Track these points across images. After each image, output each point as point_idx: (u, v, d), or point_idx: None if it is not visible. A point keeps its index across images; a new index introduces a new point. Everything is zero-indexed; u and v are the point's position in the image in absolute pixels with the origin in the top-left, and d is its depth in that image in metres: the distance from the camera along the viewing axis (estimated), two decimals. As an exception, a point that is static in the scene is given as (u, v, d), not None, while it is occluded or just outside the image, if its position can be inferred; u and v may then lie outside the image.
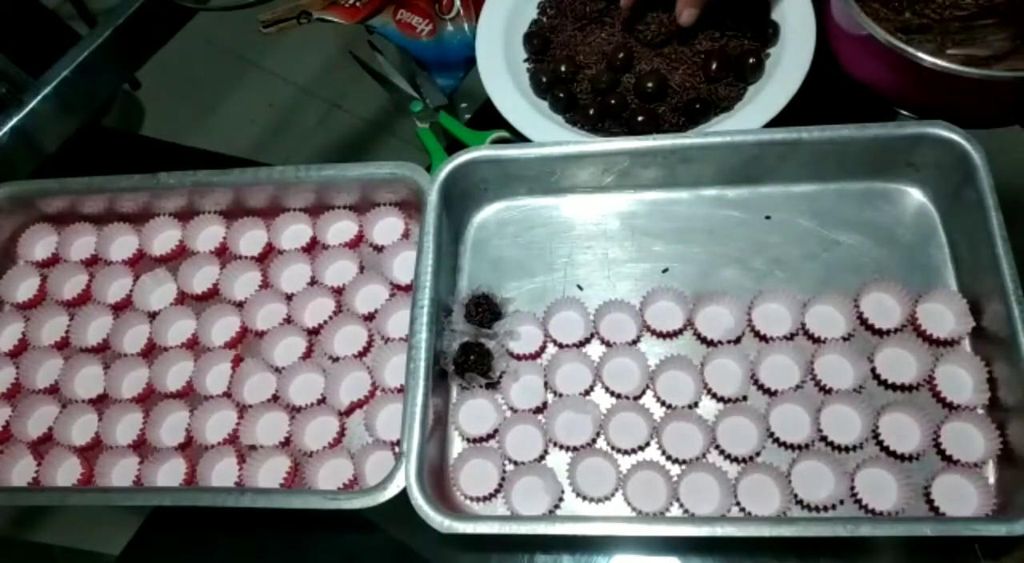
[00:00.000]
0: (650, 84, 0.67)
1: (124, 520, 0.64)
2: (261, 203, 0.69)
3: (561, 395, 0.58)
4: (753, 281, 0.61)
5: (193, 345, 0.65)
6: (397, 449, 0.54)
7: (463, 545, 0.57)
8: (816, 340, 0.58)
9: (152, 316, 0.66)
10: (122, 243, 0.71)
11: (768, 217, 0.63)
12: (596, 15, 0.72)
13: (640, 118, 0.66)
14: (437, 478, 0.55)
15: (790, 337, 0.58)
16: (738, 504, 0.53)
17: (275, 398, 0.61)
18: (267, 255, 0.68)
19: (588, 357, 0.59)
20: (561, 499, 0.55)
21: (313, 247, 0.68)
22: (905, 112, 0.66)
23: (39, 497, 0.60)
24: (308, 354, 0.63)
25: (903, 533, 0.48)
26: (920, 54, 0.58)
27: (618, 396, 0.57)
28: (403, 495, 0.52)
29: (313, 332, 0.64)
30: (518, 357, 0.60)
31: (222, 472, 0.59)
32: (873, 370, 0.56)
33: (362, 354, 0.63)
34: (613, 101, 0.67)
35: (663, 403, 0.57)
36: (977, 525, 0.48)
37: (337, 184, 0.66)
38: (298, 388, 0.62)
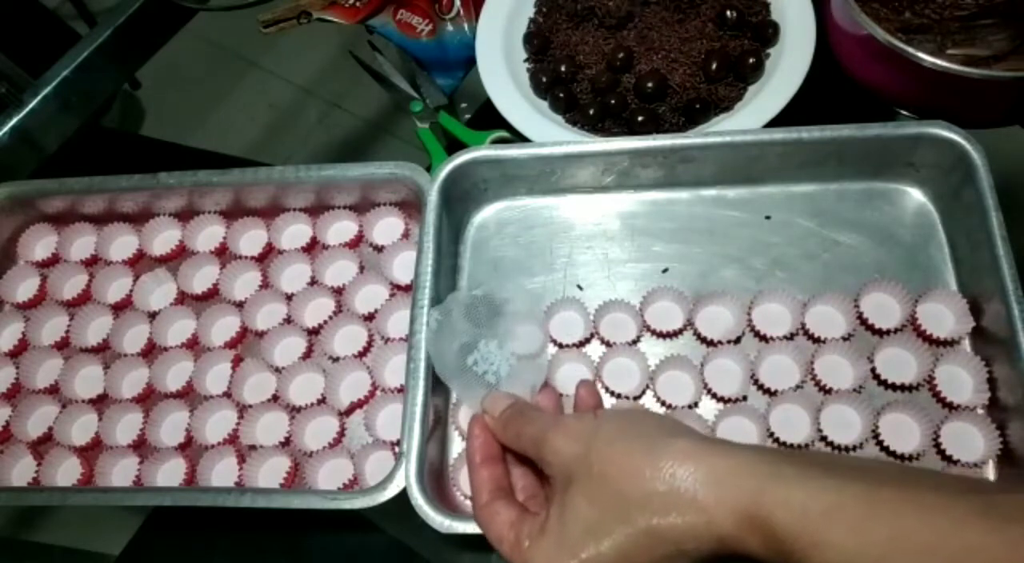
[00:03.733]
0: (650, 84, 0.67)
1: (124, 520, 0.64)
2: (261, 203, 0.69)
3: (561, 395, 0.58)
4: (753, 281, 0.61)
5: (193, 345, 0.65)
6: (397, 449, 0.54)
7: (463, 545, 0.57)
8: (816, 340, 0.58)
9: (152, 316, 0.66)
10: (122, 243, 0.71)
11: (768, 217, 0.63)
12: (587, 12, 0.72)
13: (640, 118, 0.66)
14: (437, 478, 0.55)
15: (790, 337, 0.58)
16: (738, 504, 0.53)
17: (275, 398, 0.61)
18: (267, 255, 0.68)
19: (588, 357, 0.59)
20: (561, 499, 0.55)
21: (313, 247, 0.68)
22: (905, 112, 0.66)
23: (39, 497, 0.60)
24: (308, 354, 0.63)
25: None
26: (920, 54, 0.58)
27: (618, 396, 0.57)
28: (403, 495, 0.52)
29: (313, 332, 0.64)
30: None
31: (222, 472, 0.59)
32: (873, 370, 0.56)
33: (362, 354, 0.63)
34: (613, 101, 0.67)
35: (663, 403, 0.57)
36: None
37: (337, 184, 0.66)
38: (298, 388, 0.62)
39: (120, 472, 0.60)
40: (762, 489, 0.33)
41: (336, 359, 0.62)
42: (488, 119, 0.70)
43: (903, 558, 0.30)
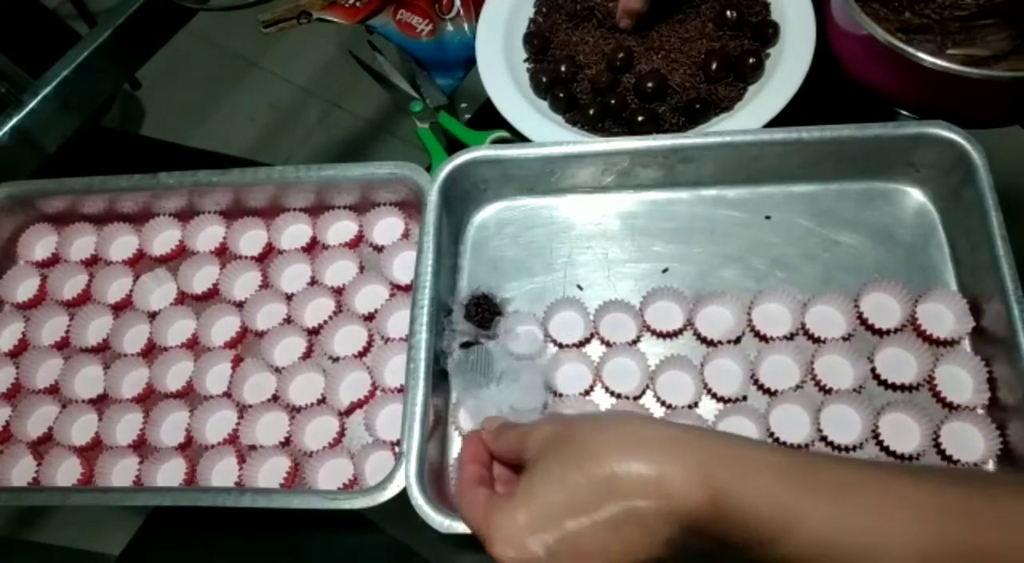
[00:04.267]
0: (650, 84, 0.67)
1: (124, 520, 0.64)
2: (261, 203, 0.69)
3: (561, 395, 0.58)
4: (753, 281, 0.61)
5: (193, 345, 0.65)
6: (397, 449, 0.54)
7: (463, 545, 0.57)
8: (816, 340, 0.58)
9: (152, 316, 0.66)
10: (122, 243, 0.71)
11: (768, 217, 0.63)
12: (587, 12, 0.72)
13: (640, 118, 0.66)
14: (437, 478, 0.55)
15: (790, 337, 0.58)
16: (738, 504, 0.52)
17: (275, 398, 0.61)
18: (267, 255, 0.68)
19: (588, 357, 0.59)
20: (561, 499, 0.55)
21: (313, 247, 0.68)
22: (905, 112, 0.66)
23: (39, 497, 0.60)
24: (308, 354, 0.63)
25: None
26: (920, 54, 0.58)
27: (618, 396, 0.57)
28: (403, 495, 0.52)
29: (313, 332, 0.64)
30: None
31: (222, 472, 0.59)
32: (873, 370, 0.56)
33: (362, 354, 0.63)
34: (613, 101, 0.67)
35: (663, 403, 0.57)
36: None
37: (337, 184, 0.66)
38: (298, 388, 0.62)
39: (120, 472, 0.60)
40: (714, 448, 0.37)
41: (336, 359, 0.62)
42: (488, 119, 0.70)
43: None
